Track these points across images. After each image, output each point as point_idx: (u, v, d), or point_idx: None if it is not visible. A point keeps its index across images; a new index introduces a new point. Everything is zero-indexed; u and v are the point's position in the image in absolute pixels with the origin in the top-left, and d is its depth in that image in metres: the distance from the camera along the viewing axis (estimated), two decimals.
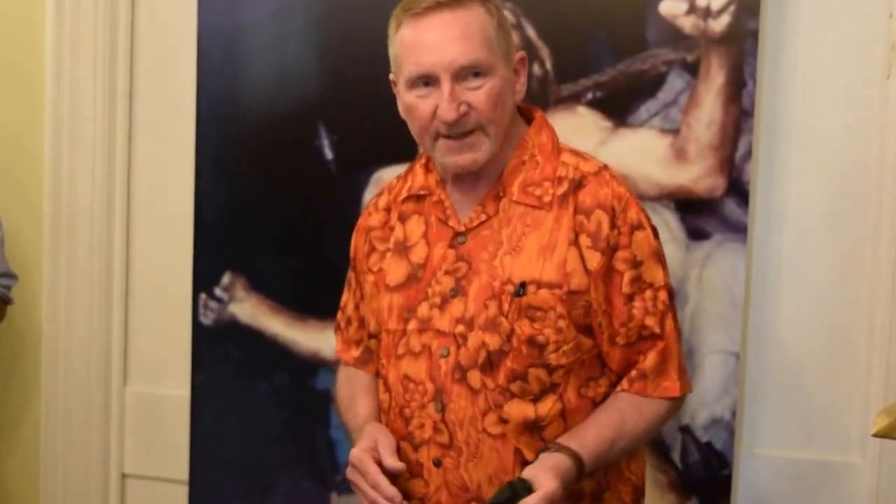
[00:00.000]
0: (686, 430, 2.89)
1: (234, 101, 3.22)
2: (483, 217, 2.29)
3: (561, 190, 2.26)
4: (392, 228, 2.39)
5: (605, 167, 2.31)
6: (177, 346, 3.37)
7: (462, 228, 2.30)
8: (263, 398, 3.25)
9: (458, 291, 2.27)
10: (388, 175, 3.01)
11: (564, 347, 2.23)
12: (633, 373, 2.27)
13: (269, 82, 3.19)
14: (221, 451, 3.30)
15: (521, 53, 2.32)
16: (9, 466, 3.54)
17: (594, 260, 2.22)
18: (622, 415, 2.25)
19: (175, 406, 3.38)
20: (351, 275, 2.52)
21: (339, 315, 2.57)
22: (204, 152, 3.26)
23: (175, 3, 3.34)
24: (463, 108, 2.20)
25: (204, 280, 3.29)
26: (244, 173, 3.23)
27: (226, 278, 3.27)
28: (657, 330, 2.26)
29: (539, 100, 2.88)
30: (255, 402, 3.26)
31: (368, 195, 3.07)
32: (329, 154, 3.14)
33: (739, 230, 2.83)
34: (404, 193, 2.40)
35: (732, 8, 2.79)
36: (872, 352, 2.84)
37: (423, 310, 2.30)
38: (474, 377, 2.24)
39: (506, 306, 2.23)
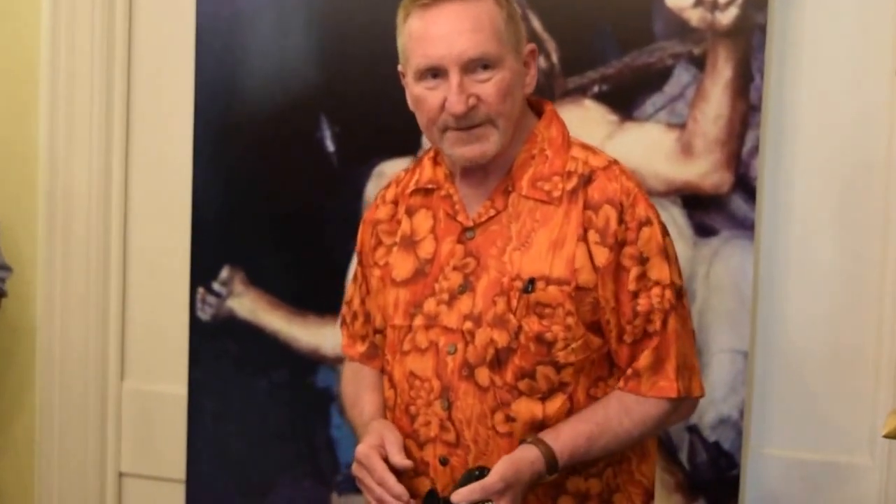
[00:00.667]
0: (693, 430, 2.88)
1: (233, 92, 3.19)
2: (492, 212, 2.27)
3: (570, 185, 2.25)
4: (399, 222, 2.38)
5: (615, 161, 2.30)
6: (174, 343, 3.34)
7: (471, 223, 2.28)
8: (262, 396, 3.22)
9: (466, 287, 2.25)
10: (390, 168, 3.01)
11: (573, 345, 2.21)
12: (629, 371, 2.25)
13: (270, 73, 3.16)
14: (219, 450, 3.27)
15: (532, 46, 2.31)
16: (2, 465, 3.52)
17: (602, 256, 2.21)
18: (607, 412, 2.24)
19: (172, 403, 3.35)
20: (357, 268, 2.50)
21: (345, 309, 2.55)
22: (202, 144, 3.22)
23: None
24: (472, 101, 2.18)
25: (202, 274, 3.25)
26: (243, 165, 3.20)
27: (224, 272, 3.24)
28: (657, 328, 2.24)
29: (545, 93, 2.83)
30: (254, 400, 3.23)
31: (370, 188, 3.05)
32: (330, 146, 3.11)
33: (747, 226, 2.82)
34: (412, 187, 2.38)
35: (740, 1, 2.77)
36: (881, 351, 2.82)
37: (429, 305, 2.29)
38: (482, 374, 2.23)
39: (514, 303, 2.21)
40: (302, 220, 3.15)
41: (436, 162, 2.36)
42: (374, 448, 2.23)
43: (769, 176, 2.85)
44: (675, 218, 2.82)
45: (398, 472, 2.21)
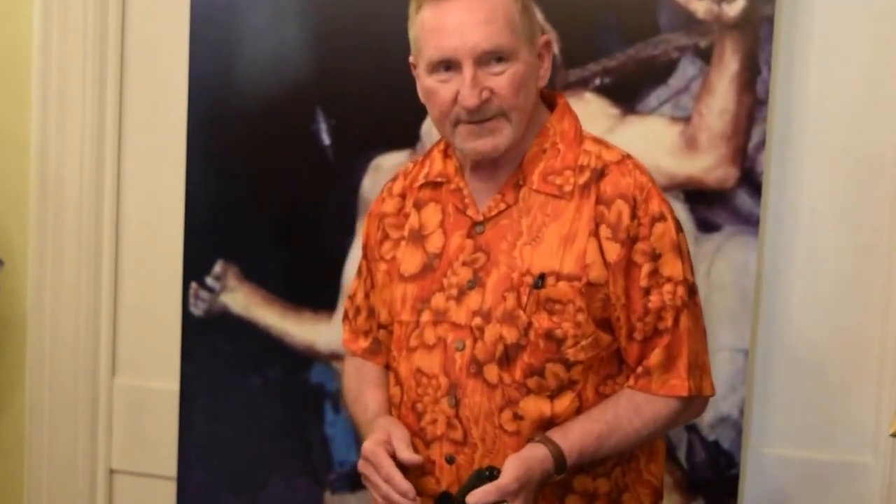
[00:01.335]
0: (692, 429, 2.86)
1: (227, 84, 3.16)
2: (502, 206, 2.24)
3: (582, 179, 2.23)
4: (407, 216, 2.35)
5: (629, 156, 2.28)
6: (166, 338, 3.32)
7: (481, 218, 2.26)
8: (255, 392, 3.20)
9: (475, 283, 2.23)
10: (387, 162, 3.00)
11: (583, 342, 2.19)
12: (639, 369, 2.23)
13: (265, 64, 3.12)
14: (212, 447, 3.25)
15: (546, 37, 2.28)
16: None
17: (613, 252, 2.19)
18: (617, 410, 2.21)
19: (164, 399, 3.33)
20: (362, 262, 2.48)
21: (348, 303, 2.52)
22: (196, 136, 3.19)
23: None
24: (485, 95, 2.16)
25: (194, 269, 3.23)
26: (238, 158, 3.17)
27: (217, 267, 3.21)
28: (669, 325, 2.21)
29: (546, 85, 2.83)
30: (247, 397, 3.21)
31: (367, 182, 3.04)
32: (326, 139, 3.08)
33: (751, 222, 2.80)
34: (421, 179, 2.35)
35: None
36: (885, 350, 2.82)
37: (438, 301, 2.26)
38: (491, 371, 2.20)
39: (524, 298, 2.19)
40: (297, 214, 3.13)
41: (446, 154, 2.33)
42: (381, 444, 2.21)
43: (775, 171, 2.83)
44: (677, 213, 2.78)
45: (404, 470, 2.19)
